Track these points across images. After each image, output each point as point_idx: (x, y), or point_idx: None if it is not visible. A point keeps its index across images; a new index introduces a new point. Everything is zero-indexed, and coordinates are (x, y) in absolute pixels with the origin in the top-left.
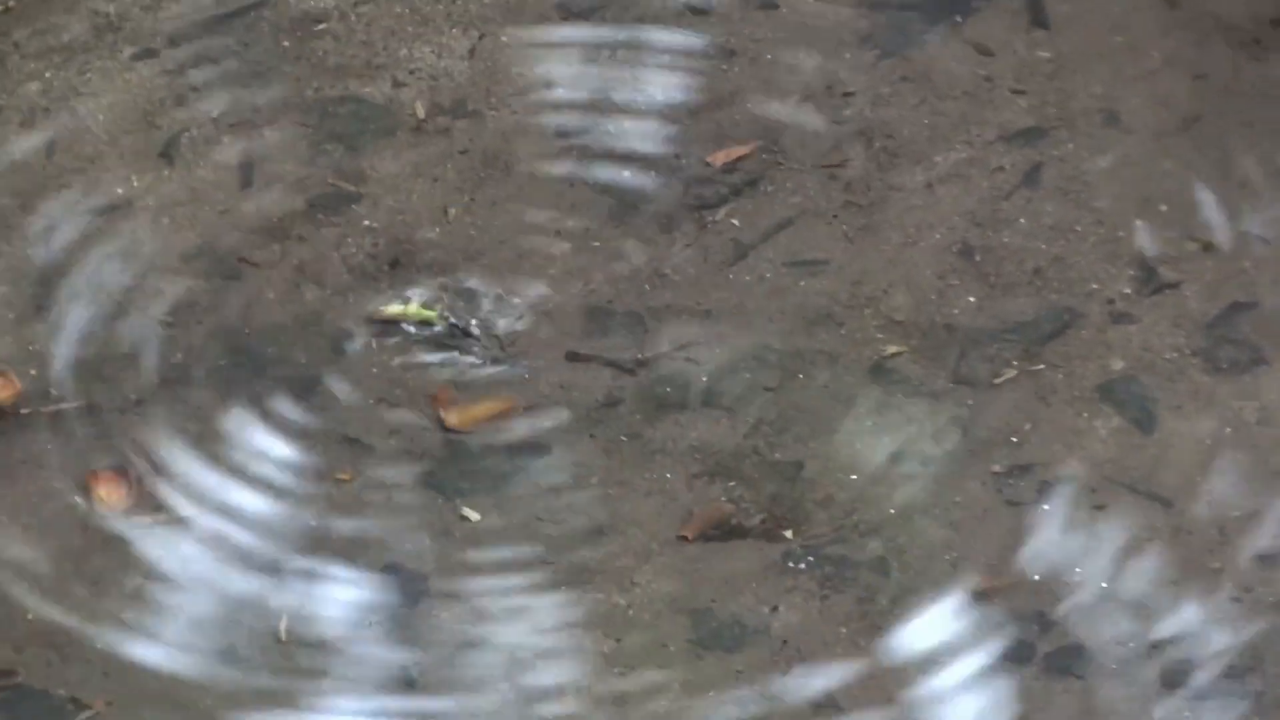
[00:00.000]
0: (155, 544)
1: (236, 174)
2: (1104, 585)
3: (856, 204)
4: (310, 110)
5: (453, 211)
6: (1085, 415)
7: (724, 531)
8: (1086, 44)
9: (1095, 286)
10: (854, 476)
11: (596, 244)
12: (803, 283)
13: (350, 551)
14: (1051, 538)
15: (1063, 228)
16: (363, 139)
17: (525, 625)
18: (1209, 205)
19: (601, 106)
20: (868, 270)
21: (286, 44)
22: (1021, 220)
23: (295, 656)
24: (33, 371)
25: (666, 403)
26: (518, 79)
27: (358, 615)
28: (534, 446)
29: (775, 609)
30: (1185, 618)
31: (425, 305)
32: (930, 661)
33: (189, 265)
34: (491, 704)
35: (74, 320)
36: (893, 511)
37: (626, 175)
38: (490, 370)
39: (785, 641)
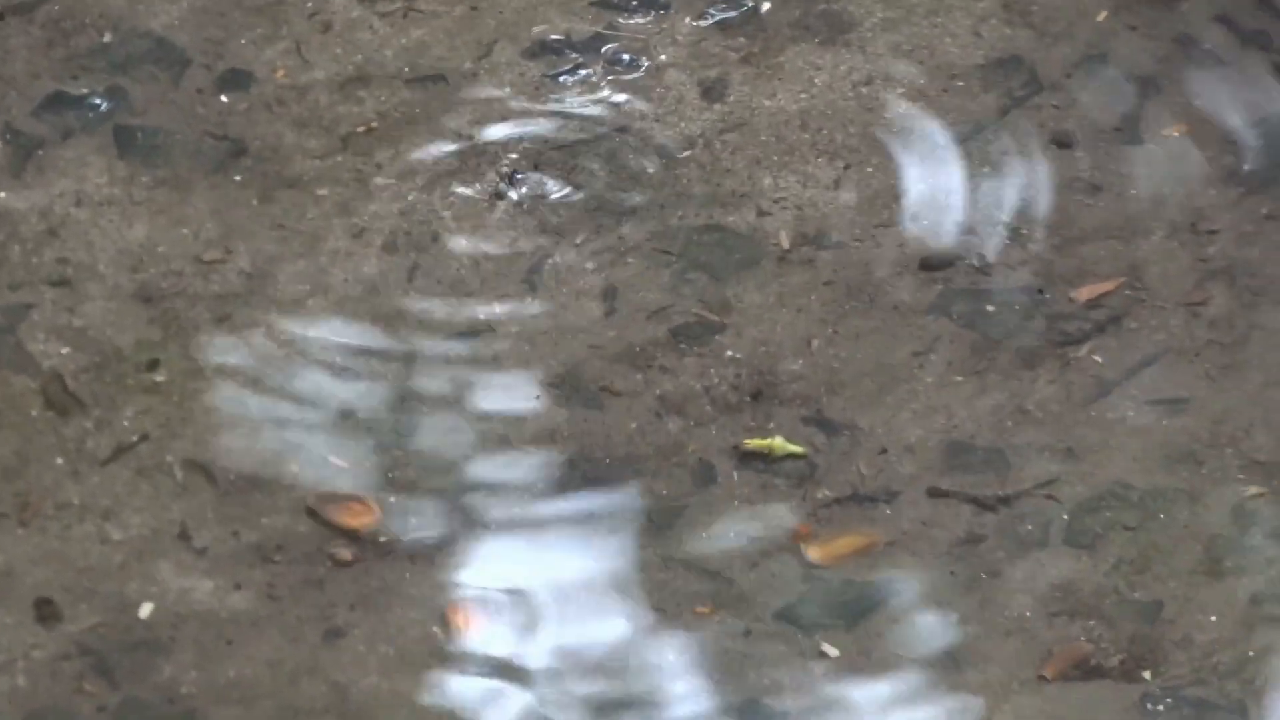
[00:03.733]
0: (509, 675)
1: (599, 302)
2: None
3: (1219, 342)
4: (674, 238)
5: (816, 343)
6: None
7: (1083, 671)
8: None
9: None
10: (1214, 618)
11: (959, 379)
12: (1165, 421)
13: (711, 687)
14: None
15: None
16: (726, 268)
17: None
18: None
19: (967, 240)
20: (1230, 409)
21: (651, 170)
22: None
23: None
24: (393, 499)
25: (1027, 540)
26: (883, 210)
27: None
28: (895, 583)
29: None
30: None
31: (790, 440)
32: None
33: (551, 393)
34: None
35: (434, 447)
36: (1252, 654)
37: (990, 310)
38: (852, 505)
39: None
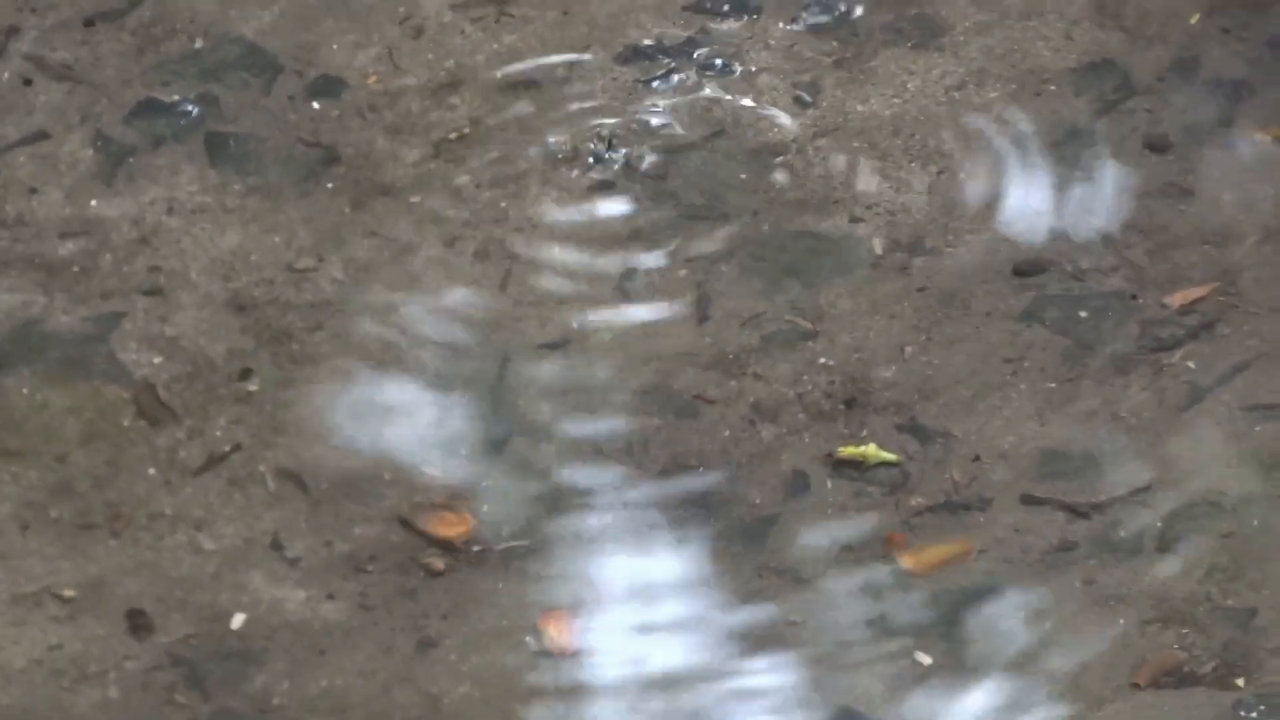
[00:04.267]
0: (602, 685)
1: (692, 309)
2: None
3: None
4: (767, 245)
5: (909, 350)
6: None
7: (1176, 679)
8: None
9: None
10: None
11: (1052, 385)
12: (1258, 427)
13: (801, 695)
14: None
15: None
16: (819, 275)
17: None
18: None
19: (1059, 246)
20: None
21: (743, 176)
22: None
23: None
24: (485, 508)
25: (1120, 547)
26: (976, 216)
27: None
28: (988, 590)
29: None
30: None
31: (883, 447)
32: None
33: (643, 402)
34: None
35: (527, 456)
36: None
37: (1083, 316)
38: (945, 513)
39: None
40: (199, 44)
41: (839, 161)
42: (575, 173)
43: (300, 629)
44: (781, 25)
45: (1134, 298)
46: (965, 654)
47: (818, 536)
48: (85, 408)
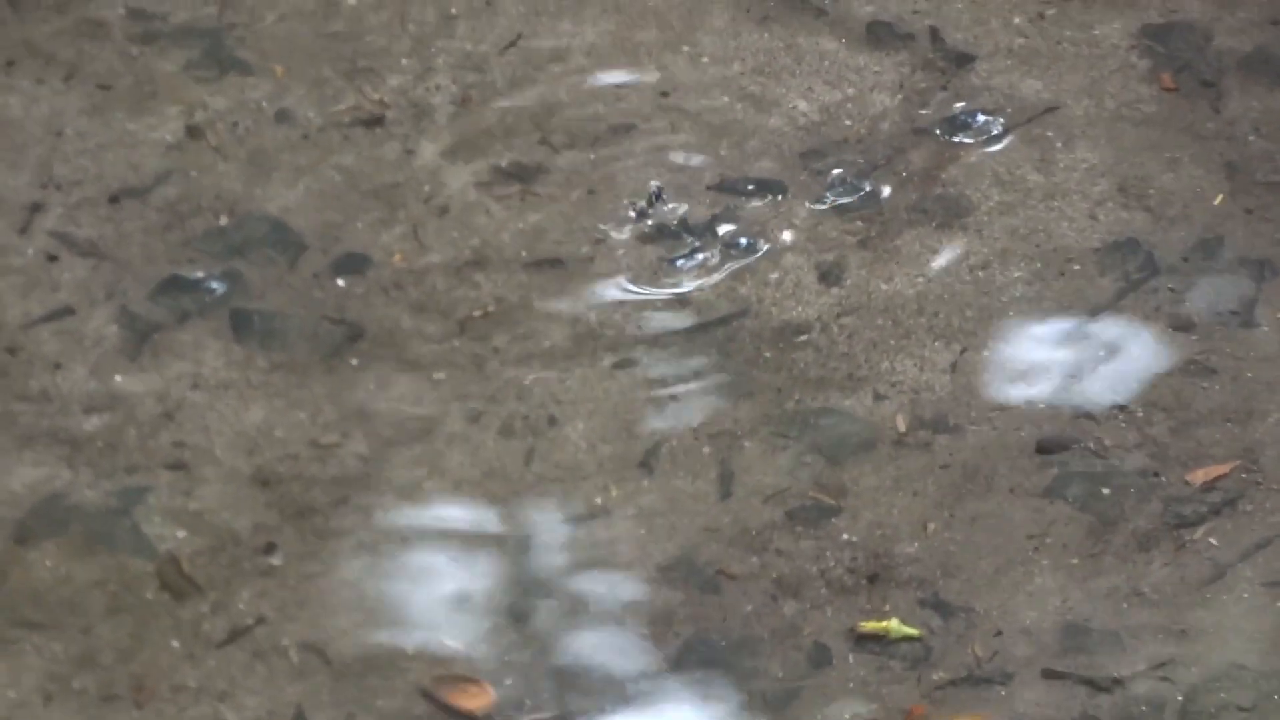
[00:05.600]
0: None
1: (716, 485)
2: None
3: None
4: (791, 422)
5: (932, 527)
6: None
7: None
8: None
9: None
10: None
11: (1075, 561)
12: (1279, 603)
13: None
14: None
15: None
16: (843, 452)
17: None
18: None
19: (1082, 424)
20: None
21: (768, 354)
22: None
23: None
24: (508, 681)
25: None
26: (998, 394)
27: None
28: None
29: None
30: None
31: (905, 622)
32: None
33: (666, 576)
34: None
35: (551, 630)
36: None
37: (1105, 493)
38: (967, 687)
39: None
40: (224, 221)
41: (863, 339)
42: (599, 350)
43: None
44: (807, 205)
45: (1156, 475)
46: None
47: (839, 711)
48: (109, 581)
